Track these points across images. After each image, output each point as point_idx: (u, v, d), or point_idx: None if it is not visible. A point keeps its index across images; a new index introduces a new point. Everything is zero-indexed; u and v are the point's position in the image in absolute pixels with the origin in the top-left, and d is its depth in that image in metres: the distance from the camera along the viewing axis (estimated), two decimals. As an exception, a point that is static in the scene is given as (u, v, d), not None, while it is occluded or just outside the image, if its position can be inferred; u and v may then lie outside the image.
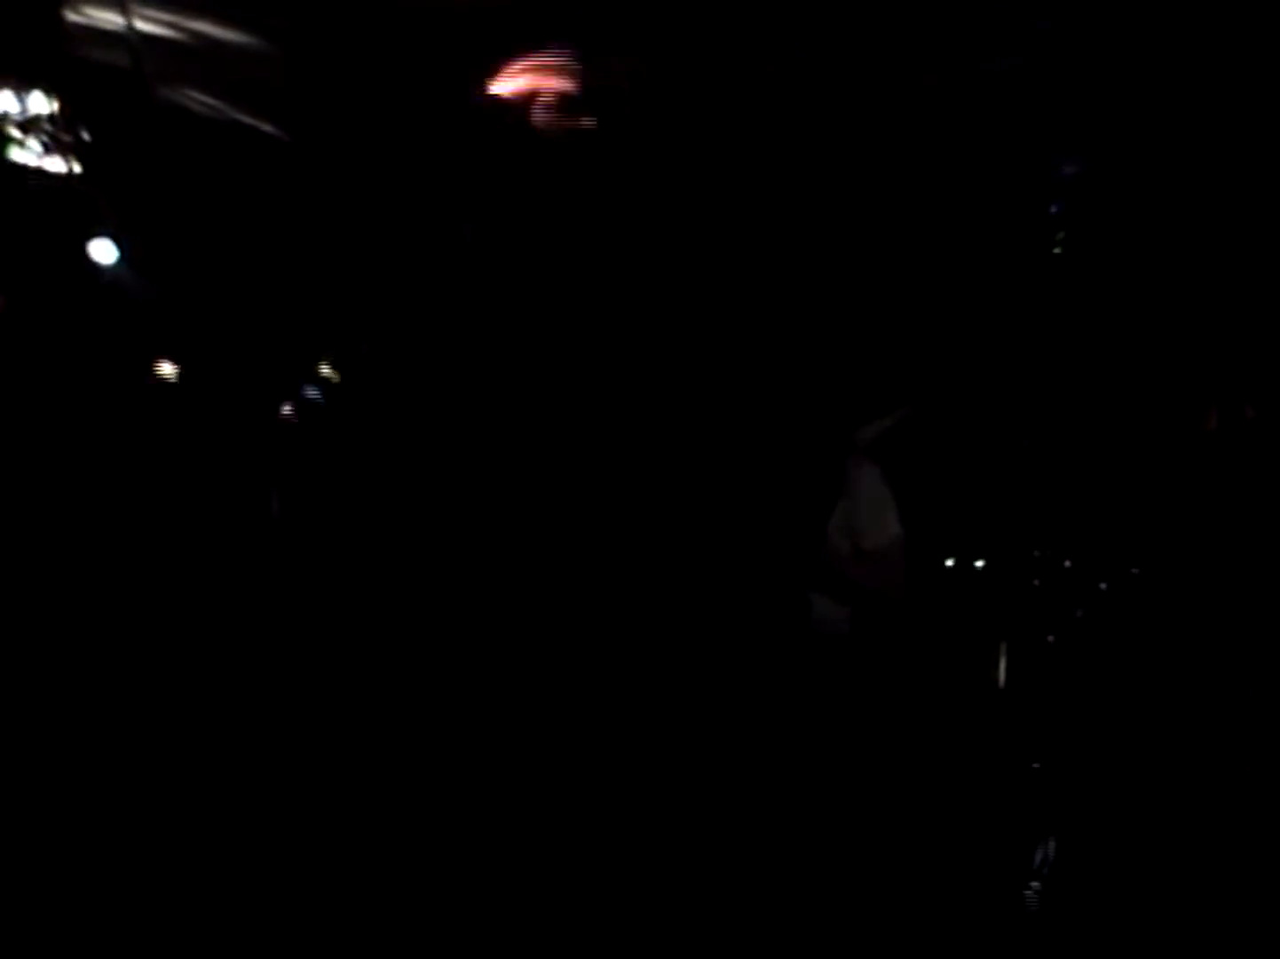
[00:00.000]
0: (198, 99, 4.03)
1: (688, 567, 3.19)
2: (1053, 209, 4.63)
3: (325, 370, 4.10)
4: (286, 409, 3.91)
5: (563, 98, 3.93)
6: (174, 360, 3.66)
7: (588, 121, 3.93)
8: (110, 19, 3.88)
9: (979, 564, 4.49)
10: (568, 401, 4.11)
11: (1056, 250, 4.64)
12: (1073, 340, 4.63)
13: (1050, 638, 3.98)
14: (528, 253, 4.23)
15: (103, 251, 4.25)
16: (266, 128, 4.08)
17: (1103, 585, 3.95)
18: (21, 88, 3.97)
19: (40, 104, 4.01)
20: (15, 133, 3.86)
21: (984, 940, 3.14)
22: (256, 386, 3.86)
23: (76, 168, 3.95)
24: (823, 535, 2.93)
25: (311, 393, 4.11)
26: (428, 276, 4.26)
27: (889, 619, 3.08)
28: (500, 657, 3.62)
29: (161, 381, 3.66)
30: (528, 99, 3.88)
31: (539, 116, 3.76)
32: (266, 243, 4.31)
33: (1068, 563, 4.10)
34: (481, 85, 4.16)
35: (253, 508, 3.66)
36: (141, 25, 3.93)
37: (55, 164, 3.98)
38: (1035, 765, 3.66)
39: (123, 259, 4.23)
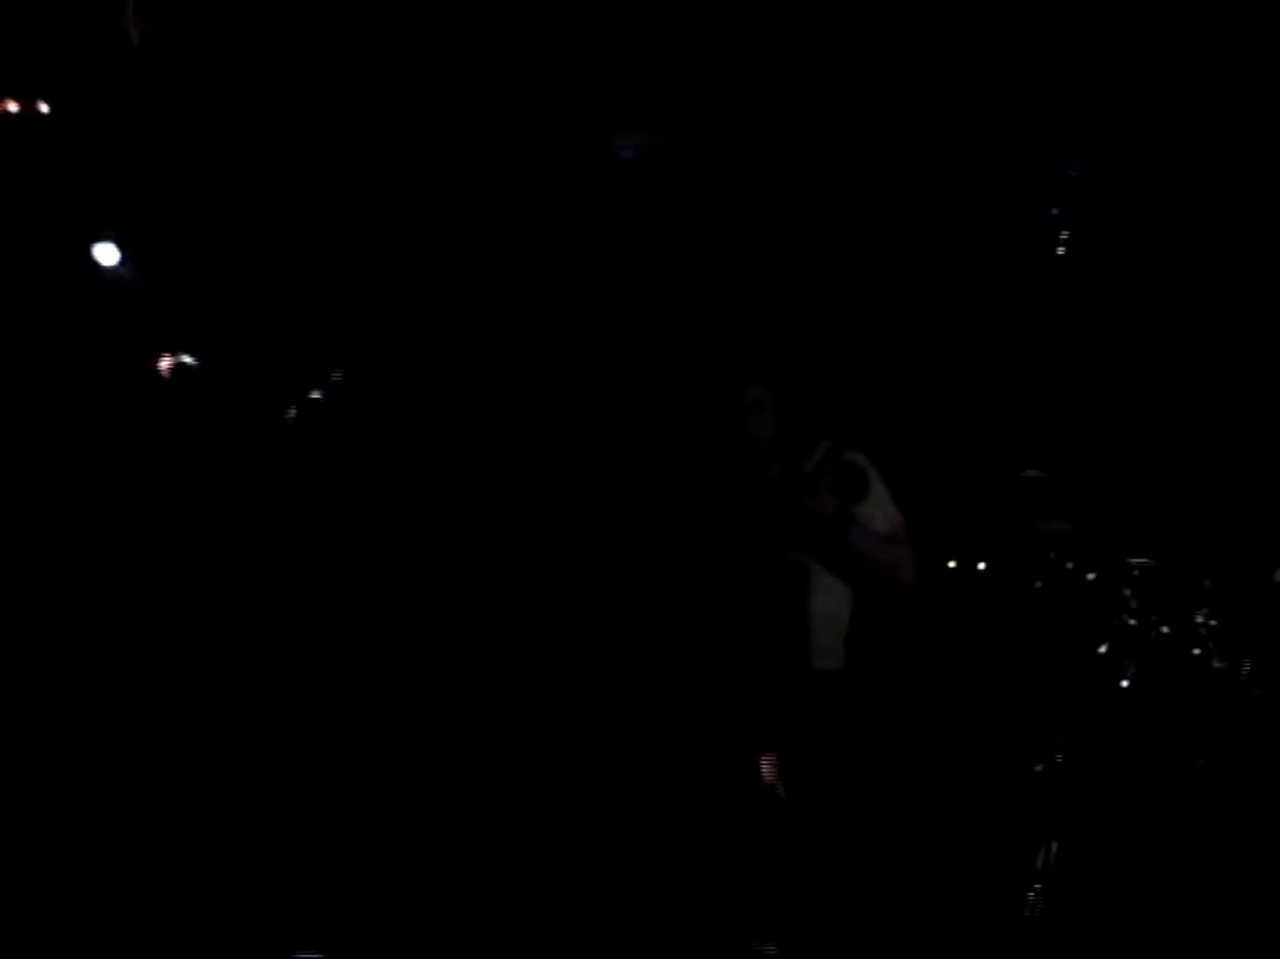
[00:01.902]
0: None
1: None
2: (1054, 210, 4.64)
3: (326, 371, 4.11)
4: (289, 410, 3.92)
5: None
6: (175, 359, 3.66)
7: None
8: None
9: (981, 566, 4.49)
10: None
11: (1059, 250, 4.65)
12: (1074, 340, 4.63)
13: (1054, 639, 3.97)
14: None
15: (105, 253, 4.27)
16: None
17: (1100, 583, 3.94)
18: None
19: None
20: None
21: (987, 941, 3.12)
22: (257, 386, 3.86)
23: (80, 169, 3.97)
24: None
25: (313, 394, 4.13)
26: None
27: (900, 607, 3.06)
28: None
29: (163, 380, 3.66)
30: None
31: None
32: (268, 244, 4.32)
33: (1069, 564, 4.10)
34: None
35: (253, 506, 3.66)
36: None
37: (60, 165, 3.99)
38: (1038, 768, 3.65)
39: (125, 260, 4.25)
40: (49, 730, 3.34)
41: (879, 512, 2.66)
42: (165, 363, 3.54)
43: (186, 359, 3.54)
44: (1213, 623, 3.64)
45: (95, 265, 4.19)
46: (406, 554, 3.82)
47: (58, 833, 3.01)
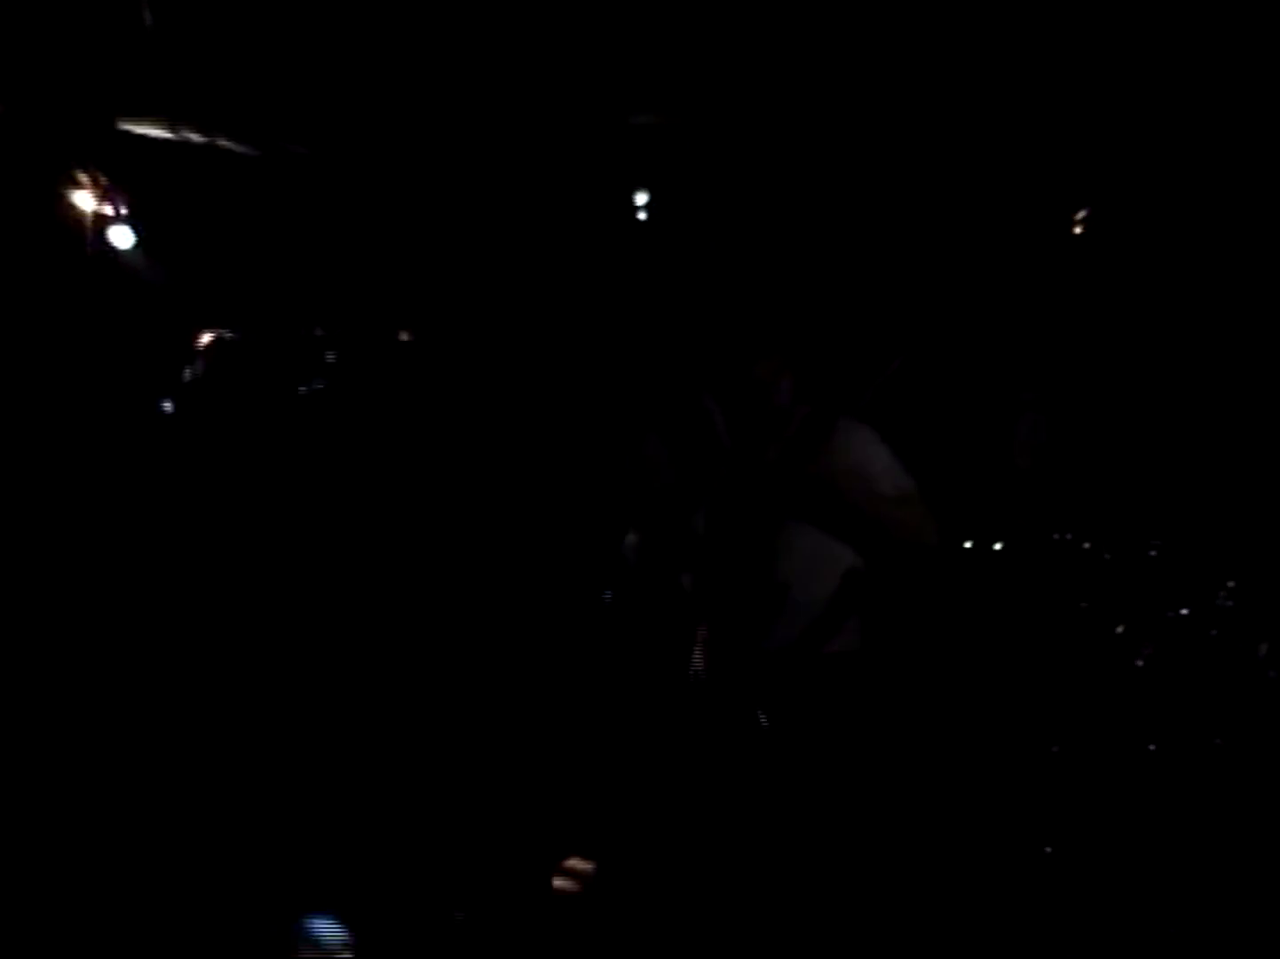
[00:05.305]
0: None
1: None
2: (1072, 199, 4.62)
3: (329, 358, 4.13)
4: (295, 393, 3.93)
5: None
6: (186, 342, 3.66)
7: None
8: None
9: (997, 546, 4.48)
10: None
11: (1076, 231, 4.63)
12: (1091, 326, 4.62)
13: (1070, 620, 3.96)
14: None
15: (120, 237, 4.28)
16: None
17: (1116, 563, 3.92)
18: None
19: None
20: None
21: (1000, 929, 3.13)
22: (264, 371, 3.86)
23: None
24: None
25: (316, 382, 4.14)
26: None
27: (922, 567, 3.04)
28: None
29: (173, 363, 3.66)
30: None
31: None
32: (277, 229, 4.33)
33: (1086, 545, 4.08)
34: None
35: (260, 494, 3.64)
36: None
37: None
38: (1055, 749, 3.64)
39: (139, 244, 4.26)
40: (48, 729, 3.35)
41: (885, 473, 2.66)
42: (205, 338, 3.53)
43: (225, 334, 3.53)
44: (1230, 604, 3.62)
45: (109, 248, 4.21)
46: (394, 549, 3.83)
47: (56, 833, 3.02)
